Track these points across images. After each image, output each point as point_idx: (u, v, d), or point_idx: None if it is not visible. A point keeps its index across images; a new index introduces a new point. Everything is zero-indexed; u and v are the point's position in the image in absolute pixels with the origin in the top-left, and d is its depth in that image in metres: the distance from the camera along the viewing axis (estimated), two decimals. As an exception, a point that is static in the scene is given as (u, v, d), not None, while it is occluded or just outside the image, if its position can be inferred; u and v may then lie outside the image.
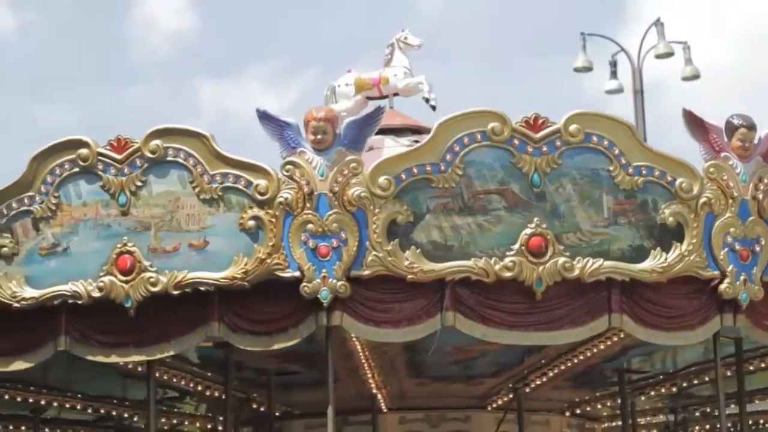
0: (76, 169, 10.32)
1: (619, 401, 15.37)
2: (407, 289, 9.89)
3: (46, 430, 16.18)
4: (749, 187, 10.24)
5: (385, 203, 9.82)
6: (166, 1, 53.51)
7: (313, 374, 13.48)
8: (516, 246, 9.88)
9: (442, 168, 9.91)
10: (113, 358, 10.64)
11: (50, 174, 10.37)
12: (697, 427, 17.83)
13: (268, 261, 9.83)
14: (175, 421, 16.67)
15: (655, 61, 24.43)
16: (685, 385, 14.61)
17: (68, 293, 10.23)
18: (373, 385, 13.57)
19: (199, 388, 13.85)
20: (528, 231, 9.91)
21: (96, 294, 10.15)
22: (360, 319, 9.90)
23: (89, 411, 15.07)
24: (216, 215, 10.01)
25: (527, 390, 14.12)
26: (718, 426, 18.33)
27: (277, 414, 14.93)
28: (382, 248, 9.78)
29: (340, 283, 9.71)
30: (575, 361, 12.93)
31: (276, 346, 10.10)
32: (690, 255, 10.06)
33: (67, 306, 10.31)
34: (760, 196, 10.30)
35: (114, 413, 15.46)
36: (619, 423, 17.47)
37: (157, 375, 13.02)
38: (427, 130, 14.80)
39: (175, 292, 10.00)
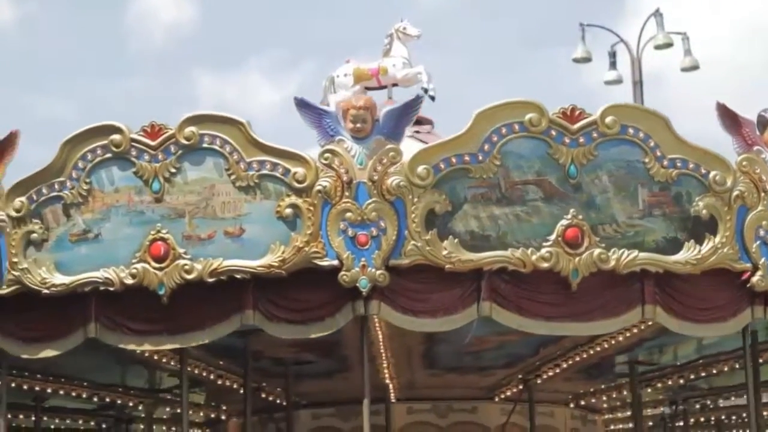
0: (109, 155, 10.20)
1: (624, 393, 15.52)
2: (444, 279, 9.87)
3: (45, 418, 16.12)
4: (782, 180, 10.32)
5: (424, 193, 9.80)
6: (164, -8, 53.21)
7: (328, 364, 13.49)
8: (552, 237, 9.90)
9: (480, 158, 9.90)
10: (146, 346, 10.59)
11: (82, 159, 10.24)
12: (691, 420, 18.00)
13: (306, 249, 9.78)
14: (178, 410, 16.58)
15: (654, 52, 24.46)
16: (692, 377, 14.72)
17: (100, 280, 10.12)
18: (386, 376, 13.56)
19: (212, 377, 13.79)
20: (564, 222, 9.93)
21: (128, 281, 10.04)
22: (397, 308, 9.87)
23: (95, 399, 15.00)
24: (252, 203, 9.94)
25: (538, 381, 14.17)
26: (714, 418, 18.61)
27: (284, 404, 14.91)
28: (420, 238, 9.76)
29: (379, 272, 9.68)
30: (591, 352, 12.99)
31: (312, 335, 10.05)
32: (723, 247, 10.12)
33: (98, 293, 10.20)
34: (793, 190, 10.37)
35: (119, 402, 15.40)
36: (619, 415, 17.67)
37: (172, 364, 13.05)
38: (427, 121, 14.90)
39: (210, 280, 9.93)
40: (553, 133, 9.99)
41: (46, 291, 10.25)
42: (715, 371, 14.22)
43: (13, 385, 13.54)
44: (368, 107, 9.96)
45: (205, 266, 9.92)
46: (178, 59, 51.81)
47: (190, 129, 10.06)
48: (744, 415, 18.27)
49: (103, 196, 10.24)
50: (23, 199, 10.33)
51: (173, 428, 17.53)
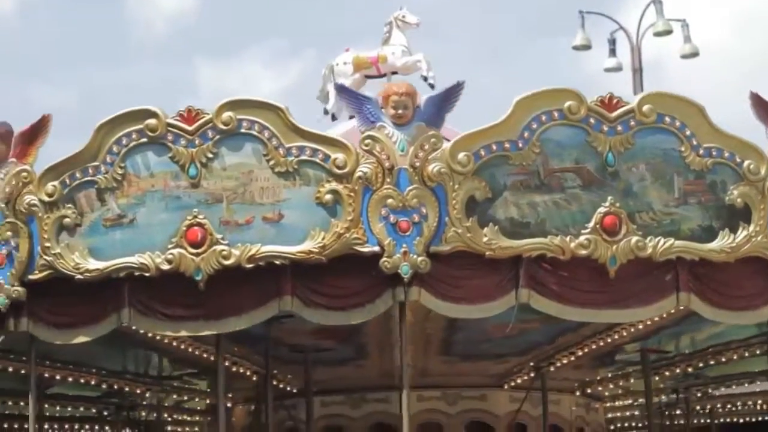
0: (144, 140, 10.11)
1: (630, 381, 15.62)
2: (483, 266, 9.87)
3: (46, 405, 16.01)
4: (814, 169, 10.39)
5: (464, 179, 9.80)
6: (165, -19, 52.85)
7: (345, 351, 13.48)
8: (591, 224, 9.92)
9: (520, 145, 9.91)
10: (182, 333, 10.52)
11: (116, 144, 10.15)
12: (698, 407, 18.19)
13: (347, 235, 9.75)
14: (185, 397, 16.55)
15: (653, 39, 24.46)
16: (701, 365, 14.84)
17: (135, 265, 10.03)
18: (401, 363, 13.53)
19: (226, 363, 13.70)
20: (602, 210, 9.95)
21: (164, 266, 9.96)
22: (438, 295, 9.87)
23: (103, 386, 14.92)
24: (291, 189, 9.89)
25: (551, 369, 14.22)
26: (709, 407, 18.76)
27: (295, 391, 14.90)
28: (461, 224, 9.76)
29: (420, 258, 9.67)
30: (609, 340, 13.05)
31: (353, 321, 10.04)
32: (757, 236, 10.18)
33: (131, 279, 10.11)
34: (826, 179, 10.44)
35: (126, 389, 15.31)
36: (619, 403, 17.77)
37: (190, 350, 12.99)
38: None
39: (248, 266, 9.88)
40: (592, 121, 10.01)
41: (79, 276, 10.16)
42: (724, 359, 14.32)
43: (10, 369, 13.44)
44: (410, 93, 9.94)
45: (243, 252, 9.86)
46: (179, 48, 51.46)
47: (228, 114, 9.99)
48: (738, 403, 18.50)
49: (138, 180, 10.15)
50: (56, 183, 10.24)
51: (174, 415, 17.46)
